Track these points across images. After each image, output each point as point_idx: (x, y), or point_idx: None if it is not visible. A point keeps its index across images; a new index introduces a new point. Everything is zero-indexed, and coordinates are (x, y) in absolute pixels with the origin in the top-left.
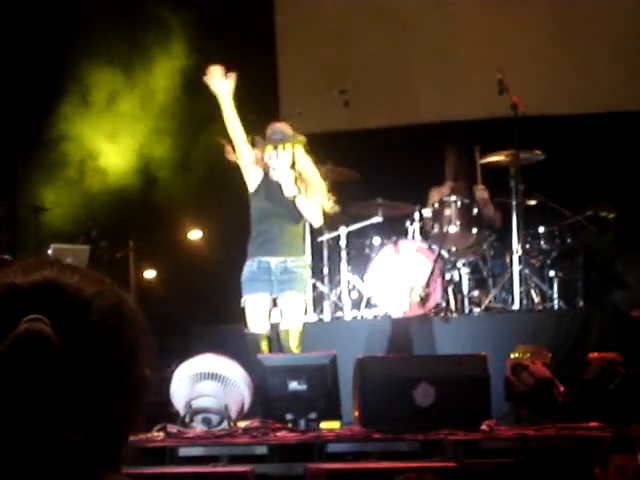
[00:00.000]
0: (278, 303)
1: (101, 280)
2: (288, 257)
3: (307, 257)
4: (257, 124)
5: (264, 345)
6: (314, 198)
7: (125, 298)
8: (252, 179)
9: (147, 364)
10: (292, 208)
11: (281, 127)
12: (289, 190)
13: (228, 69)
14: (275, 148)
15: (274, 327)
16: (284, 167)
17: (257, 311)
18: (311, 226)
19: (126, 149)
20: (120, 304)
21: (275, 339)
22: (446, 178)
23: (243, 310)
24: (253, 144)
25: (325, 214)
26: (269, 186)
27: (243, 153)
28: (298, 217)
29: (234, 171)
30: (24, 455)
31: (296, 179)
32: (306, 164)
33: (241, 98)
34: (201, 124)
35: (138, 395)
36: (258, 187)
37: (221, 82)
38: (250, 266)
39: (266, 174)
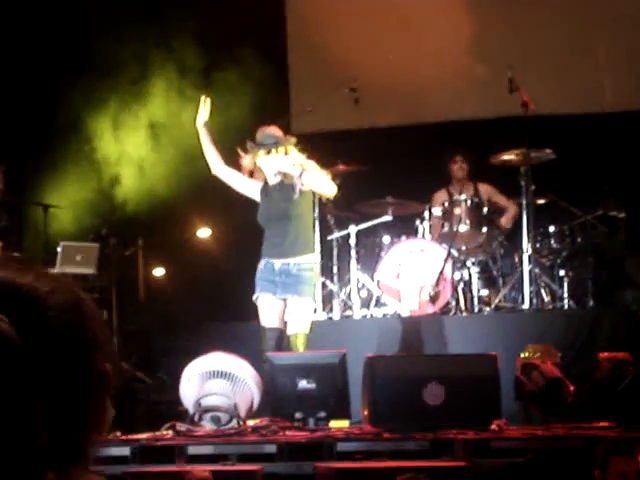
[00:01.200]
0: (284, 305)
1: (55, 278)
2: (292, 259)
3: (315, 256)
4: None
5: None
6: (319, 173)
7: (81, 294)
8: (254, 192)
9: (106, 359)
10: (291, 205)
11: (271, 131)
12: (293, 170)
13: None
14: (268, 153)
15: (282, 328)
16: (280, 161)
17: (265, 309)
18: (320, 224)
19: (136, 146)
20: (76, 300)
21: (285, 339)
22: (452, 180)
23: (256, 307)
24: (245, 150)
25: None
26: (267, 190)
27: (231, 178)
28: (300, 212)
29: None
30: None
31: (295, 163)
32: (301, 158)
33: (252, 97)
34: (213, 120)
35: (101, 390)
36: (261, 195)
37: (201, 114)
38: (260, 264)
39: (264, 185)
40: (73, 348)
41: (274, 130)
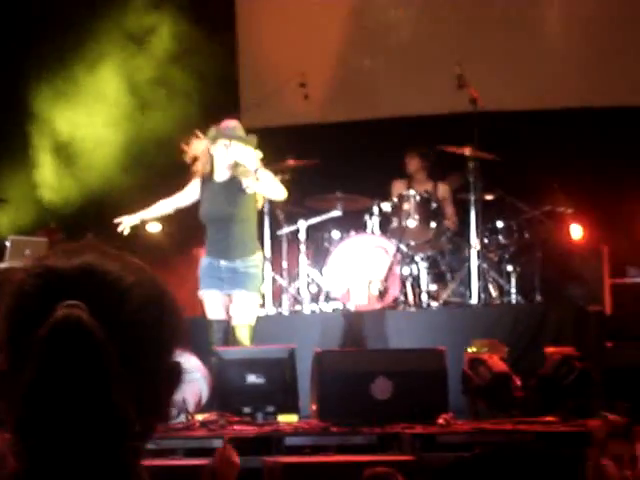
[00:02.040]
0: (230, 300)
1: (143, 269)
2: (237, 259)
3: (259, 255)
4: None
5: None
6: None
7: (165, 288)
8: (195, 192)
9: (179, 354)
10: (236, 209)
11: (236, 125)
12: (251, 164)
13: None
14: (227, 143)
15: (229, 321)
16: (242, 149)
17: (211, 303)
18: (270, 220)
19: (84, 140)
20: (160, 294)
21: (231, 333)
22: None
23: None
24: (200, 135)
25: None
26: (210, 191)
27: (179, 202)
28: (244, 216)
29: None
30: (68, 444)
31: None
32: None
33: (201, 90)
34: (161, 116)
35: (170, 385)
36: (202, 190)
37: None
38: (204, 262)
39: (203, 180)
40: (149, 342)
41: (238, 125)
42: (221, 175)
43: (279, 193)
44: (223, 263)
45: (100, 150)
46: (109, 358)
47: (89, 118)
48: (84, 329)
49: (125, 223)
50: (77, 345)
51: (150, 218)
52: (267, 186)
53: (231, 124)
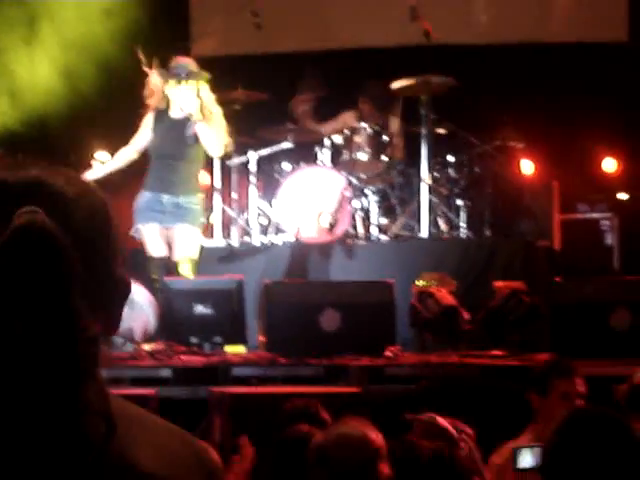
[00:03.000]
0: (171, 234)
1: (84, 182)
2: (181, 195)
3: (201, 196)
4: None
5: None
6: (216, 128)
7: (107, 201)
8: (149, 130)
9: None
10: (186, 149)
11: (186, 62)
12: (193, 115)
13: None
14: (179, 83)
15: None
16: (187, 99)
17: (151, 238)
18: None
19: (34, 67)
20: (104, 205)
21: (173, 266)
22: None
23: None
24: (149, 66)
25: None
26: (163, 126)
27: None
28: (193, 157)
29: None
30: (28, 346)
31: (200, 108)
32: (209, 100)
33: (151, 18)
34: (106, 39)
35: (120, 295)
36: (155, 124)
37: (98, 170)
38: (143, 196)
39: (157, 114)
40: (99, 252)
41: (189, 62)
42: (176, 112)
43: (216, 150)
44: (165, 197)
45: (37, 71)
46: (73, 262)
47: (25, 36)
48: (49, 233)
49: (94, 171)
50: (42, 249)
51: (117, 169)
52: (205, 140)
53: (184, 61)
